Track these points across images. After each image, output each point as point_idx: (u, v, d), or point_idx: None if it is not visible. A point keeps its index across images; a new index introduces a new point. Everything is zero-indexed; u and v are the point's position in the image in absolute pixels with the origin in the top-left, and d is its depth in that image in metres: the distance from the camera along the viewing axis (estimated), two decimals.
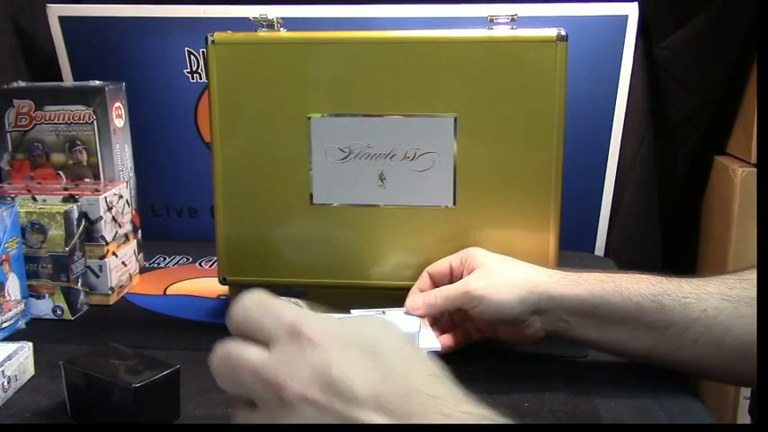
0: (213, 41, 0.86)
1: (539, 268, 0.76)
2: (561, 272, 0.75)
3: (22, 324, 0.91)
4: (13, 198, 0.95)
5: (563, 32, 0.82)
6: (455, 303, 0.76)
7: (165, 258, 1.17)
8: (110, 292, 0.98)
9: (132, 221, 1.06)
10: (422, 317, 0.78)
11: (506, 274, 0.75)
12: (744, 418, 1.14)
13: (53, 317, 0.94)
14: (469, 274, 0.77)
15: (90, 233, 0.96)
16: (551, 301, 0.72)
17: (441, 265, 0.82)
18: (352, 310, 0.79)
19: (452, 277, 0.80)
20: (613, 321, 0.71)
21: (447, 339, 0.79)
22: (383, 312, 0.79)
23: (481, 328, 0.80)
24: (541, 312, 0.73)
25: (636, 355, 0.73)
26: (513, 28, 0.84)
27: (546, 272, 0.75)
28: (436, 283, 0.82)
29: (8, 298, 0.88)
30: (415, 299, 0.79)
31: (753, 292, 0.66)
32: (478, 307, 0.74)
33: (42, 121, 1.04)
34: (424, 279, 0.83)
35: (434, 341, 0.77)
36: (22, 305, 0.91)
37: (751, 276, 0.68)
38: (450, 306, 0.77)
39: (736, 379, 0.81)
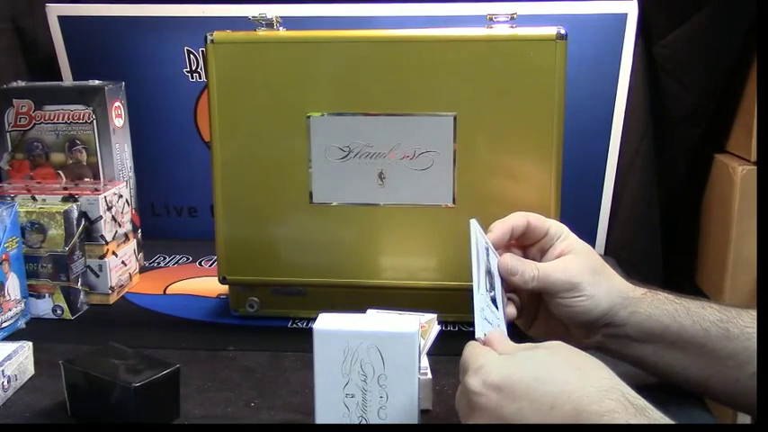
0: (212, 41, 0.86)
1: (621, 276, 0.71)
2: (637, 285, 0.70)
3: (21, 324, 0.91)
4: (12, 198, 0.95)
5: (562, 31, 0.82)
6: (550, 288, 0.68)
7: (164, 258, 1.17)
8: (110, 291, 0.98)
9: (132, 221, 1.06)
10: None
11: (606, 276, 0.69)
12: (744, 418, 1.14)
13: (53, 316, 0.94)
14: (560, 253, 0.69)
15: (90, 233, 0.96)
16: (632, 316, 0.68)
17: (540, 224, 0.71)
18: (369, 310, 0.79)
19: (541, 242, 0.71)
20: (677, 346, 0.67)
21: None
22: (399, 314, 0.79)
23: (547, 319, 0.72)
24: (613, 325, 0.68)
25: (691, 384, 0.69)
26: (512, 26, 0.84)
27: (625, 281, 0.70)
28: (526, 238, 0.71)
29: (8, 297, 0.88)
30: (516, 264, 0.68)
31: None
32: (571, 300, 0.67)
33: (42, 120, 1.04)
34: (521, 222, 0.71)
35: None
36: (22, 305, 0.91)
37: None
38: (544, 289, 0.68)
39: None
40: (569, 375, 0.51)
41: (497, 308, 0.66)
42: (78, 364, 0.70)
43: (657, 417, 0.49)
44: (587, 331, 0.69)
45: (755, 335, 0.64)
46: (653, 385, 0.73)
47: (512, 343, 0.59)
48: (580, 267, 0.68)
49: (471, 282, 0.64)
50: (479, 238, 0.68)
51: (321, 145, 0.86)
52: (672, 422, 0.49)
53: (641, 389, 0.52)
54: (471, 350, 0.57)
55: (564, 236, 0.71)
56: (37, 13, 1.20)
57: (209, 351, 0.85)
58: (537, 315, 0.72)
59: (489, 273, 0.67)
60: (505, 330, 0.65)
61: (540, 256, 0.71)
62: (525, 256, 0.71)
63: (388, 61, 0.85)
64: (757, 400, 0.55)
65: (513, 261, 0.68)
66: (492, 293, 0.66)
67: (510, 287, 0.69)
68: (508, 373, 0.53)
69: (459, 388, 0.56)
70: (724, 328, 0.66)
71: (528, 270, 0.68)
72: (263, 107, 0.87)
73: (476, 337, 0.60)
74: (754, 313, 0.66)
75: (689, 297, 0.69)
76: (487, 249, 0.68)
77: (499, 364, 0.54)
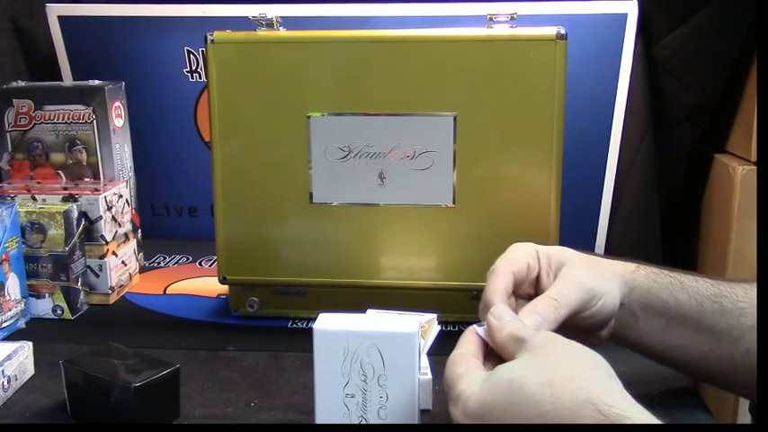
0: (213, 41, 0.86)
1: (606, 257, 0.69)
2: (624, 261, 0.69)
3: (22, 324, 0.91)
4: (12, 198, 0.95)
5: (562, 31, 0.82)
6: (574, 308, 0.63)
7: (164, 258, 1.17)
8: (110, 291, 0.98)
9: (132, 221, 1.06)
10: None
11: (599, 264, 0.67)
12: (744, 418, 1.14)
13: (53, 316, 0.94)
14: (554, 273, 0.66)
15: (90, 233, 0.96)
16: (633, 291, 0.66)
17: (520, 268, 0.66)
18: (369, 310, 0.79)
19: (527, 277, 0.67)
20: (676, 322, 0.66)
21: None
22: (399, 314, 0.78)
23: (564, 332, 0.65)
24: (622, 305, 0.66)
25: (689, 364, 0.68)
26: (512, 26, 0.84)
27: (615, 261, 0.68)
28: (516, 283, 0.67)
29: (8, 298, 0.88)
30: (535, 318, 0.62)
31: None
32: (594, 308, 0.64)
33: (42, 120, 1.04)
34: (508, 281, 0.65)
35: None
36: (22, 305, 0.91)
37: None
38: (570, 313, 0.63)
39: None
40: (543, 395, 0.50)
41: None
42: (78, 364, 0.70)
43: (636, 419, 0.48)
44: (605, 326, 0.67)
45: (749, 310, 0.64)
46: (653, 385, 0.73)
47: (511, 318, 0.58)
48: (583, 272, 0.65)
49: None
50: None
51: (321, 145, 0.86)
52: (659, 422, 0.49)
53: (640, 387, 0.51)
54: (448, 372, 0.57)
55: (541, 255, 0.66)
56: (37, 13, 1.20)
57: (209, 351, 0.85)
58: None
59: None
60: None
61: (533, 289, 0.67)
62: (519, 298, 0.67)
63: (389, 61, 0.85)
64: (758, 400, 0.54)
65: (532, 319, 0.61)
66: None
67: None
68: (483, 400, 0.53)
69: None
70: (718, 303, 0.65)
71: (549, 313, 0.62)
72: (264, 107, 0.87)
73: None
74: (746, 287, 0.65)
75: (679, 270, 0.68)
76: None
77: (474, 391, 0.53)
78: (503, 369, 0.53)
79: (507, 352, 0.56)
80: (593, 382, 0.50)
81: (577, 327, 0.66)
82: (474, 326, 0.61)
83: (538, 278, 0.66)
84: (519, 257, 0.66)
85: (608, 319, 0.66)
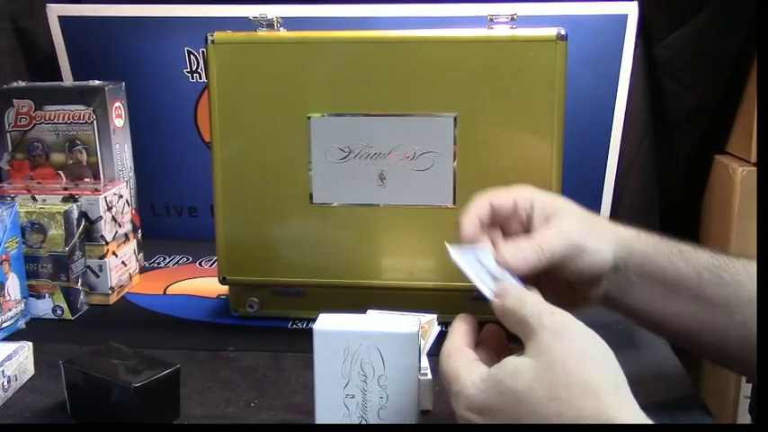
0: (213, 41, 0.86)
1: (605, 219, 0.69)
2: (622, 226, 0.68)
3: (22, 324, 0.91)
4: (12, 198, 0.95)
5: (563, 32, 0.82)
6: (557, 256, 0.63)
7: (165, 258, 1.17)
8: (110, 291, 0.98)
9: (132, 221, 1.06)
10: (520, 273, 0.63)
11: (597, 223, 0.67)
12: (744, 418, 1.14)
13: (53, 317, 0.94)
14: (545, 219, 0.65)
15: (90, 233, 0.96)
16: (631, 256, 0.65)
17: (504, 199, 0.66)
18: (369, 311, 0.79)
19: (515, 215, 0.66)
20: (674, 290, 0.65)
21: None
22: (401, 314, 0.78)
23: (552, 286, 0.66)
24: (617, 268, 0.65)
25: (683, 335, 0.66)
26: (512, 27, 0.84)
27: (617, 225, 0.68)
28: (497, 218, 0.67)
29: (8, 298, 0.88)
30: (515, 252, 0.62)
31: None
32: (580, 262, 0.63)
33: (42, 120, 1.04)
34: (484, 209, 0.66)
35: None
36: (22, 305, 0.91)
37: None
38: (552, 261, 0.63)
39: None
40: (549, 409, 0.49)
41: None
42: (78, 364, 0.70)
43: None
44: (594, 284, 0.66)
45: (747, 284, 0.63)
46: (653, 385, 0.73)
47: (516, 293, 0.56)
48: (575, 224, 0.65)
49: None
50: (466, 257, 0.63)
51: (321, 145, 0.86)
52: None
53: (640, 387, 0.51)
54: (445, 365, 0.56)
55: (536, 200, 0.66)
56: (37, 13, 1.20)
57: (209, 351, 0.85)
58: (540, 285, 0.64)
59: (496, 279, 0.62)
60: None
61: (523, 230, 0.66)
62: (508, 236, 0.66)
63: (389, 62, 0.85)
64: (757, 400, 0.54)
65: (511, 252, 0.62)
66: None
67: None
68: (486, 403, 0.52)
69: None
70: (717, 274, 0.64)
71: (530, 254, 0.62)
72: (264, 108, 0.87)
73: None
74: (745, 262, 0.65)
75: (679, 240, 0.67)
76: (479, 260, 0.64)
77: (475, 393, 0.52)
78: (507, 373, 0.51)
79: (513, 328, 0.55)
80: (602, 397, 0.49)
81: (565, 282, 0.66)
82: (449, 248, 0.62)
83: (530, 222, 0.66)
84: (506, 193, 0.66)
85: (597, 278, 0.65)
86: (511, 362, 0.52)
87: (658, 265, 0.65)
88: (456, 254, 0.63)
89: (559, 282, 0.66)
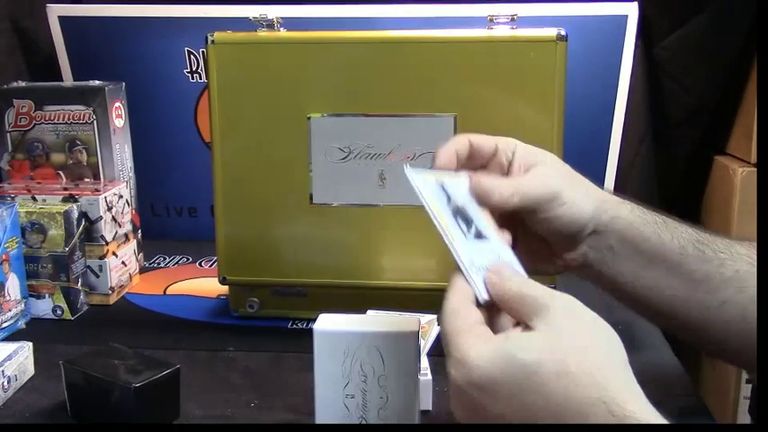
0: (213, 41, 0.86)
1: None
2: (608, 191, 0.66)
3: (22, 324, 0.91)
4: (13, 198, 0.95)
5: (563, 32, 0.82)
6: (531, 202, 0.60)
7: (165, 258, 1.17)
8: (110, 291, 0.98)
9: (132, 221, 1.06)
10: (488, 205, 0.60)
11: (581, 181, 0.65)
12: (744, 418, 1.14)
13: (53, 317, 0.94)
14: (526, 167, 0.63)
15: (90, 233, 0.96)
16: (614, 221, 0.63)
17: (486, 142, 0.64)
18: (369, 311, 0.79)
19: (495, 160, 0.64)
20: (656, 261, 0.62)
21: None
22: (399, 314, 0.78)
23: (528, 241, 0.63)
24: (597, 232, 0.63)
25: (663, 311, 0.64)
26: (512, 28, 0.84)
27: (604, 190, 0.66)
28: (474, 159, 0.64)
29: (8, 298, 0.88)
30: (491, 183, 0.60)
31: None
32: (555, 211, 0.61)
33: (42, 120, 1.04)
34: (463, 145, 0.63)
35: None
36: (22, 305, 0.91)
37: None
38: (526, 203, 0.60)
39: (743, 360, 0.68)
40: (557, 386, 0.47)
41: (487, 238, 0.57)
42: (78, 365, 0.70)
43: (644, 420, 0.47)
44: (571, 244, 0.63)
45: (729, 262, 0.62)
46: (653, 385, 0.73)
47: (519, 277, 0.53)
48: (555, 174, 0.62)
49: (444, 241, 0.54)
50: (427, 180, 0.58)
51: (321, 146, 0.86)
52: (665, 421, 0.48)
53: (641, 389, 0.51)
54: (447, 325, 0.51)
55: (519, 148, 0.64)
56: (37, 13, 1.20)
57: (209, 351, 0.85)
58: (515, 239, 0.61)
59: (458, 210, 0.57)
60: (511, 256, 0.56)
61: (502, 175, 0.63)
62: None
63: (389, 62, 0.85)
64: (757, 400, 0.54)
65: (487, 180, 0.59)
66: (473, 230, 0.57)
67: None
68: (492, 376, 0.48)
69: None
70: (700, 249, 0.62)
71: (505, 186, 0.59)
72: (264, 108, 0.87)
73: (480, 301, 0.51)
74: (726, 241, 0.63)
75: (664, 212, 0.65)
76: (442, 186, 0.58)
77: (482, 364, 0.48)
78: (519, 347, 0.48)
79: (514, 311, 0.51)
80: (609, 377, 0.47)
81: (542, 241, 0.63)
82: (407, 169, 0.58)
83: (510, 168, 0.63)
84: (489, 137, 0.64)
85: (575, 237, 0.62)
86: (517, 335, 0.49)
87: (642, 234, 0.63)
88: (415, 175, 0.58)
89: (536, 239, 0.63)
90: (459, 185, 0.59)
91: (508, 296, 0.51)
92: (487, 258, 0.54)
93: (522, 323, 0.50)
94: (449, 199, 0.57)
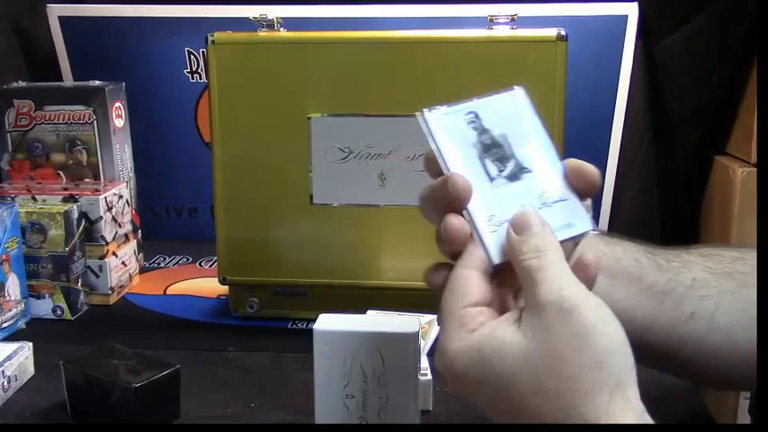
0: (213, 41, 0.86)
1: None
2: None
3: (22, 324, 0.91)
4: (13, 198, 0.95)
5: (563, 32, 0.82)
6: None
7: (165, 258, 1.17)
8: (110, 291, 0.98)
9: (132, 221, 1.06)
10: None
11: None
12: (744, 417, 1.14)
13: (53, 317, 0.94)
14: None
15: (90, 233, 0.96)
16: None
17: None
18: (369, 311, 0.79)
19: None
20: (620, 278, 0.57)
21: None
22: (399, 314, 0.78)
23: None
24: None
25: (635, 335, 0.50)
26: (513, 28, 0.84)
27: None
28: None
29: (8, 298, 0.88)
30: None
31: (729, 267, 0.59)
32: None
33: (42, 120, 1.04)
34: None
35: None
36: (22, 305, 0.91)
37: (723, 252, 0.60)
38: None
39: (710, 376, 0.61)
40: (530, 402, 0.43)
41: (530, 171, 0.48)
42: (78, 365, 0.70)
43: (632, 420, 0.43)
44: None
45: (683, 270, 0.58)
46: (652, 385, 0.73)
47: (539, 240, 0.46)
48: None
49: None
50: (449, 116, 0.52)
51: (321, 146, 0.86)
52: (652, 422, 0.45)
53: (640, 387, 0.50)
54: (445, 301, 0.48)
55: None
56: (37, 14, 1.20)
57: (210, 351, 0.85)
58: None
59: (494, 144, 0.49)
60: (560, 190, 0.48)
61: None
62: None
63: (389, 62, 0.85)
64: (757, 400, 0.54)
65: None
66: (509, 168, 0.48)
67: None
68: (465, 373, 0.45)
69: None
70: (652, 259, 0.58)
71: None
72: (264, 108, 0.87)
73: (489, 266, 0.46)
74: (673, 249, 0.59)
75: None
76: (476, 115, 0.51)
77: (457, 359, 0.45)
78: (498, 353, 0.44)
79: (520, 276, 0.46)
80: (594, 397, 0.43)
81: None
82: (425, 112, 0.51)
83: None
84: None
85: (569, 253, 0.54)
86: (501, 334, 0.45)
87: (596, 249, 0.56)
88: (430, 115, 0.52)
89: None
90: (505, 103, 0.52)
91: (518, 267, 0.46)
92: (520, 202, 0.47)
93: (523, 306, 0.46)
94: (481, 131, 0.50)
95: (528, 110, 0.52)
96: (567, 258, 0.48)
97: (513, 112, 0.51)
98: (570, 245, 0.50)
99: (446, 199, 0.49)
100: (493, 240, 0.46)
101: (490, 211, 0.47)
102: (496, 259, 0.46)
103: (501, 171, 0.48)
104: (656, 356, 0.58)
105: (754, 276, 0.57)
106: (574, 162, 0.51)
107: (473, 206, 0.47)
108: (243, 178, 0.89)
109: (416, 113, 0.52)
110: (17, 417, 0.71)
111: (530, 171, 0.49)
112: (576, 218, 0.49)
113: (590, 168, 0.51)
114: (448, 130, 0.50)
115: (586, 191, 0.52)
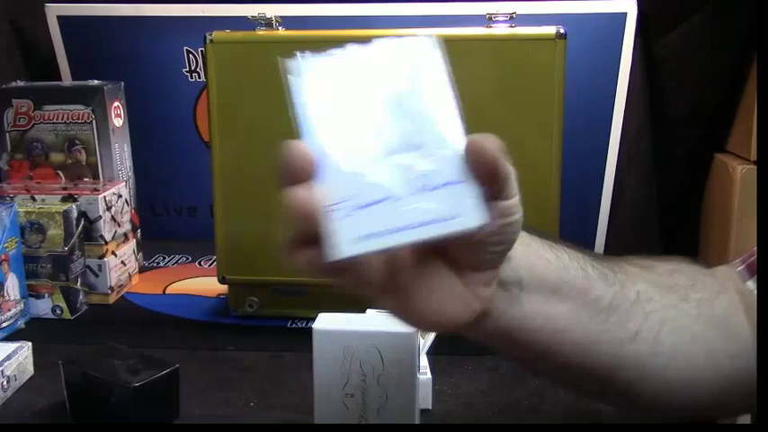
0: (212, 40, 0.86)
1: None
2: None
3: (21, 324, 0.91)
4: (12, 198, 0.95)
5: (562, 30, 0.82)
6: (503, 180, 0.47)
7: (164, 258, 1.17)
8: (109, 291, 0.98)
9: (131, 221, 1.06)
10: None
11: None
12: (744, 417, 1.14)
13: (53, 316, 0.94)
14: None
15: (89, 232, 0.96)
16: (519, 244, 0.47)
17: None
18: (368, 310, 0.79)
19: None
20: (563, 291, 0.49)
21: None
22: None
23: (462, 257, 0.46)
24: (509, 259, 0.47)
25: (575, 361, 0.51)
26: (511, 26, 0.83)
27: None
28: None
29: (7, 298, 0.88)
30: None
31: (668, 279, 0.55)
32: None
33: (41, 120, 1.04)
34: None
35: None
36: (22, 305, 0.91)
37: (659, 264, 0.57)
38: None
39: (649, 401, 0.54)
40: None
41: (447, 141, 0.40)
42: (78, 364, 0.70)
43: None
44: (490, 275, 0.46)
45: (627, 282, 0.52)
46: None
47: None
48: None
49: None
50: (329, 66, 0.41)
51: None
52: None
53: None
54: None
55: None
56: (37, 13, 1.20)
57: (209, 351, 0.85)
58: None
59: (375, 107, 0.41)
60: (474, 198, 0.40)
61: None
62: None
63: None
64: (757, 400, 0.54)
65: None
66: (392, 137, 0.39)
67: None
68: None
69: None
70: (600, 272, 0.51)
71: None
72: (263, 107, 0.87)
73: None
74: (616, 260, 0.55)
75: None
76: (358, 69, 0.41)
77: None
78: None
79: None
80: None
81: (458, 271, 0.46)
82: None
83: None
84: None
85: (492, 261, 0.46)
86: None
87: (543, 257, 0.50)
88: (304, 62, 0.41)
89: (449, 272, 0.46)
90: (403, 55, 0.43)
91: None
92: (388, 184, 0.39)
93: None
94: (363, 89, 0.41)
95: (433, 66, 0.42)
96: (491, 282, 0.44)
97: (412, 67, 0.42)
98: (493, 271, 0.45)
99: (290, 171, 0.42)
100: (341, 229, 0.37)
101: (344, 193, 0.39)
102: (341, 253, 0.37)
103: (376, 141, 0.40)
104: (594, 383, 0.53)
105: (693, 290, 0.54)
106: (474, 138, 0.43)
107: (323, 186, 0.38)
108: (242, 177, 0.89)
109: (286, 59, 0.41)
110: (17, 416, 0.71)
111: (416, 145, 0.40)
112: (463, 207, 0.40)
113: (489, 147, 0.43)
114: (318, 83, 0.41)
115: (486, 177, 0.43)
